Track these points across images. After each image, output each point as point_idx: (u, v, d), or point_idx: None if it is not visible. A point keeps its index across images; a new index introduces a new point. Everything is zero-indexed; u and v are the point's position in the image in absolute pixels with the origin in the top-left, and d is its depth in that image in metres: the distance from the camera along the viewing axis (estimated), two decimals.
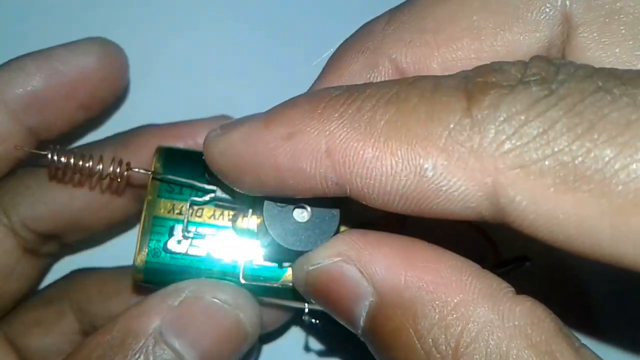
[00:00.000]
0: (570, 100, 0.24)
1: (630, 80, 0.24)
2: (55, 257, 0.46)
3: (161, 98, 0.45)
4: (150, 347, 0.33)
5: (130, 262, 0.36)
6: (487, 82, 0.25)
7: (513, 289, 0.27)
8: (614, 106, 0.23)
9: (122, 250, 0.43)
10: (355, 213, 0.33)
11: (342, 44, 0.34)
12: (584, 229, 0.23)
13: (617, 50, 0.29)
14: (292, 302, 0.35)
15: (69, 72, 0.39)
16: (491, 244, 0.36)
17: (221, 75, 0.48)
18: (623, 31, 0.29)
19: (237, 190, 0.30)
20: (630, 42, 0.29)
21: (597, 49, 0.29)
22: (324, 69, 0.34)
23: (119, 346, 0.33)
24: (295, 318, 0.43)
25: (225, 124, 0.30)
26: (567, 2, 0.30)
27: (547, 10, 0.30)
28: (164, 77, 0.48)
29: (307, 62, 0.36)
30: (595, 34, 0.30)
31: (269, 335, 0.45)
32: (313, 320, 0.35)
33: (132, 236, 0.45)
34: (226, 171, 0.30)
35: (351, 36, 0.34)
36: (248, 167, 0.28)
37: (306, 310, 0.35)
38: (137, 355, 0.33)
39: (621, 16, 0.29)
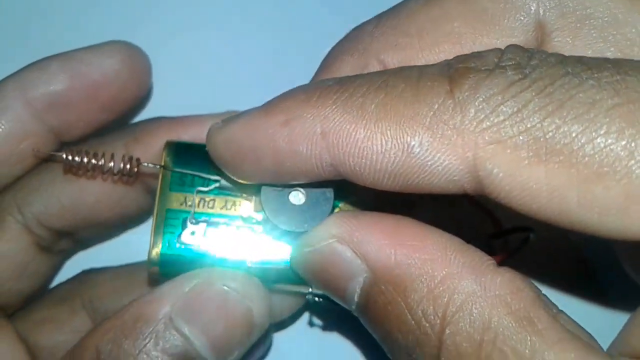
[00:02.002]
0: (541, 82, 0.26)
1: (596, 66, 0.26)
2: (68, 253, 0.46)
3: (182, 103, 0.45)
4: (160, 332, 0.33)
5: (141, 259, 0.36)
6: (467, 67, 0.28)
7: (494, 261, 0.29)
8: (581, 88, 0.26)
9: (133, 248, 0.44)
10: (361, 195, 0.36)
11: (333, 47, 0.37)
12: (554, 198, 0.26)
13: (589, 52, 0.32)
14: (299, 286, 0.36)
15: (92, 74, 0.40)
16: (488, 214, 0.38)
17: (241, 77, 0.49)
18: (593, 34, 0.32)
19: (238, 179, 0.32)
20: (601, 44, 0.32)
21: (571, 52, 0.31)
22: (317, 70, 0.37)
23: (129, 330, 0.33)
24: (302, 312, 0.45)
25: (226, 117, 0.32)
26: (541, 11, 0.32)
27: (522, 18, 0.32)
28: (185, 83, 0.49)
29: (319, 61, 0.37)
30: (568, 39, 0.32)
31: (281, 324, 0.46)
32: (316, 299, 0.37)
33: (141, 234, 0.46)
34: (227, 159, 0.32)
35: (341, 40, 0.37)
36: (248, 153, 0.31)
37: (310, 289, 0.36)
38: (147, 340, 0.33)
39: (591, 21, 0.32)
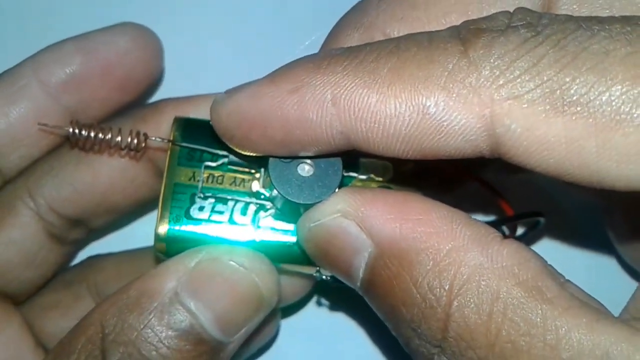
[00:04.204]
0: (555, 37, 0.26)
1: (607, 20, 0.26)
2: (80, 245, 0.46)
3: (193, 87, 0.45)
4: (165, 307, 0.33)
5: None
6: (479, 29, 0.28)
7: (500, 234, 0.29)
8: (594, 39, 0.26)
9: (144, 239, 0.43)
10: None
11: (338, 21, 0.36)
12: (572, 150, 0.26)
13: None
14: (305, 267, 0.36)
15: (105, 53, 0.41)
16: (498, 194, 0.38)
17: (253, 61, 0.49)
18: (600, 1, 0.31)
19: (244, 152, 0.32)
20: (607, 11, 0.31)
21: None
22: (322, 45, 0.36)
23: (133, 305, 0.33)
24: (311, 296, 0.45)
25: (230, 89, 0.31)
26: None
27: None
28: (197, 68, 0.49)
29: None
30: (574, 6, 0.32)
31: (288, 310, 0.46)
32: (324, 277, 0.36)
33: (152, 224, 0.45)
34: (233, 131, 0.31)
35: (346, 14, 0.36)
36: (255, 123, 0.30)
37: (317, 269, 0.36)
38: (151, 315, 0.33)
39: None
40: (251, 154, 0.32)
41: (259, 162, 0.36)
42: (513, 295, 0.27)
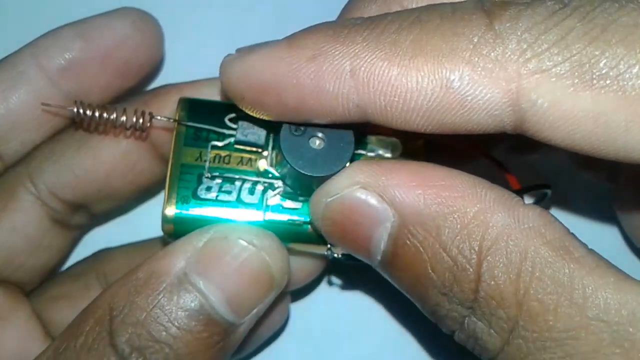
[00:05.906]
0: (583, 9, 0.26)
1: None
2: (84, 229, 0.46)
3: (194, 73, 0.44)
4: (174, 288, 0.32)
5: (157, 235, 0.36)
6: (505, 1, 0.27)
7: (522, 199, 0.28)
8: (623, 12, 0.26)
9: (148, 226, 0.42)
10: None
11: None
12: (600, 124, 0.25)
13: None
14: (316, 246, 0.35)
15: (105, 38, 0.40)
16: (503, 169, 0.38)
17: None
18: None
19: (254, 114, 0.31)
20: None
21: None
22: (338, 17, 0.36)
23: (142, 286, 0.32)
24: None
25: (242, 48, 0.31)
26: None
27: None
28: (197, 54, 0.48)
29: None
30: None
31: (297, 294, 0.45)
32: (335, 255, 0.35)
33: (156, 210, 0.43)
34: (245, 92, 0.30)
35: None
36: (269, 87, 0.29)
37: (328, 246, 0.35)
38: (160, 296, 0.32)
39: None
40: (261, 117, 0.31)
41: (268, 129, 0.35)
42: (541, 254, 0.27)
